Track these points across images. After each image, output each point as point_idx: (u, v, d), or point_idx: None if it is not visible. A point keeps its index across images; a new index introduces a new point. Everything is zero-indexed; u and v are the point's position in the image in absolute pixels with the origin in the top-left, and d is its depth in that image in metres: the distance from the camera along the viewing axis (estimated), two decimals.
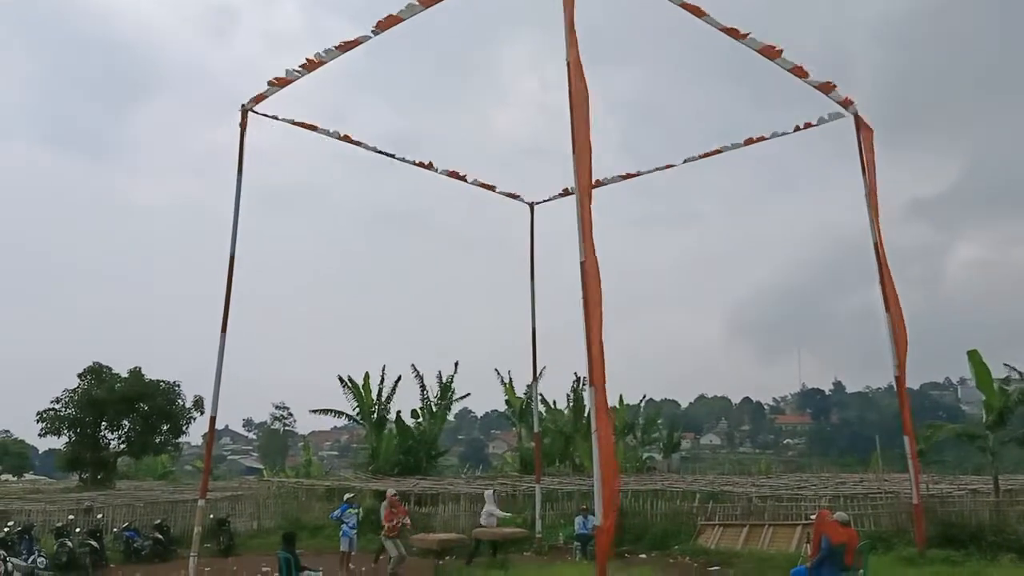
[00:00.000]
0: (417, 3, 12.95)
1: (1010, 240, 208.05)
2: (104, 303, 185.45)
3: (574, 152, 10.09)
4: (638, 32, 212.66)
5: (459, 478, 34.45)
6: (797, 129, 18.42)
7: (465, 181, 21.37)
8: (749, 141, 19.13)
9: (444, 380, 37.30)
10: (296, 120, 17.54)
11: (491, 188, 21.94)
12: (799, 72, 15.67)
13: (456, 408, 42.15)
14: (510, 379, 41.20)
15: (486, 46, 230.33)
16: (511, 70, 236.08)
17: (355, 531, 17.82)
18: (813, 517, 13.18)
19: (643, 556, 18.37)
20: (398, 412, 36.41)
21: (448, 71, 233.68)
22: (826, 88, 16.38)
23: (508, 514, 20.18)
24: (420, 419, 36.76)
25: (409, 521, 18.28)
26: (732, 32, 13.93)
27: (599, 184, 20.86)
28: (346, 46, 14.50)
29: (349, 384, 36.12)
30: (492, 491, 20.43)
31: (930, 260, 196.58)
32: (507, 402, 41.83)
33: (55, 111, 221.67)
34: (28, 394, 66.12)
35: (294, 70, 15.43)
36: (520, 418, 40.92)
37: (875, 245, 16.60)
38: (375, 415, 36.21)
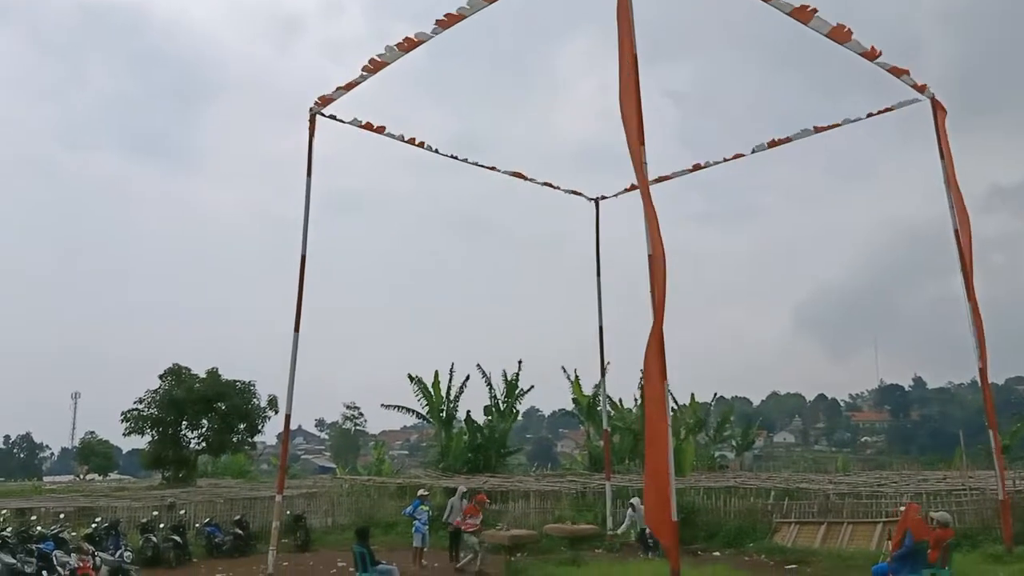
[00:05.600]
0: None
1: None
2: (182, 304, 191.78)
3: (630, 144, 10.04)
4: (693, 22, 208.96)
5: (529, 475, 34.49)
6: (870, 115, 17.83)
7: (528, 180, 21.41)
8: (819, 129, 18.57)
9: (510, 379, 37.36)
10: (363, 123, 17.80)
11: (555, 187, 21.94)
12: (870, 55, 14.90)
13: (524, 407, 42.04)
14: (576, 376, 40.99)
15: (544, 45, 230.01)
16: (569, 69, 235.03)
17: (427, 527, 18.09)
18: (903, 509, 12.69)
19: (716, 553, 18.10)
20: (468, 411, 36.65)
21: (505, 71, 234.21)
22: (898, 72, 15.69)
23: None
24: (491, 417, 36.88)
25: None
26: (800, 12, 13.28)
27: (665, 179, 20.64)
28: (408, 45, 14.60)
29: (419, 382, 36.48)
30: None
31: (1014, 249, 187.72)
32: (574, 400, 41.60)
33: (129, 121, 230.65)
34: (112, 395, 68.48)
35: (359, 73, 15.65)
36: (588, 416, 40.67)
37: (955, 233, 15.95)
38: (444, 413, 36.51)
